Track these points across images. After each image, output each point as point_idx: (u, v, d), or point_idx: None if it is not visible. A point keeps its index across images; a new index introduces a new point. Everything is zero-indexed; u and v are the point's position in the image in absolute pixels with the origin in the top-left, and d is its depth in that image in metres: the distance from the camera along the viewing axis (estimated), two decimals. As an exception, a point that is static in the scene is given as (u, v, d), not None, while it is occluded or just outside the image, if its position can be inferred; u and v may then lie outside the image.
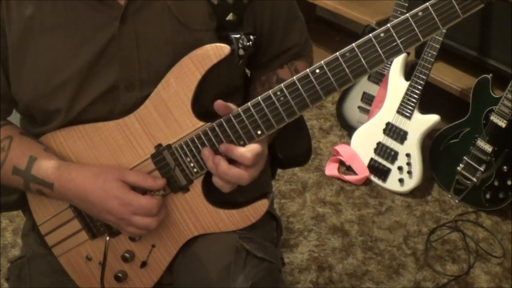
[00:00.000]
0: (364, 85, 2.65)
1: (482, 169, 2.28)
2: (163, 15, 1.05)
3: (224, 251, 1.09)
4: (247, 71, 1.27)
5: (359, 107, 2.71)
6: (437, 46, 2.23)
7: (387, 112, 2.45)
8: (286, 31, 1.20)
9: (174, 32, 1.05)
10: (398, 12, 2.41)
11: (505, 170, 2.23)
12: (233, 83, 1.17)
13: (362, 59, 0.96)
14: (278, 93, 0.99)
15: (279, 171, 1.46)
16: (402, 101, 2.38)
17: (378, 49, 0.96)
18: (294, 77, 0.98)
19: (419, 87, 2.32)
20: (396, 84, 2.42)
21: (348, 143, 2.66)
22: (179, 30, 1.05)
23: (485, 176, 2.28)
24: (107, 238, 1.12)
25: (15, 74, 1.07)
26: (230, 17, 1.08)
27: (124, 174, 1.05)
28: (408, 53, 2.48)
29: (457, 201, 2.43)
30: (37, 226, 1.19)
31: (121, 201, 1.02)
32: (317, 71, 0.98)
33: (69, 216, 1.15)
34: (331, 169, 2.58)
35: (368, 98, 2.65)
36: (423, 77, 2.30)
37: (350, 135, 2.70)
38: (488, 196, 2.31)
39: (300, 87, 0.98)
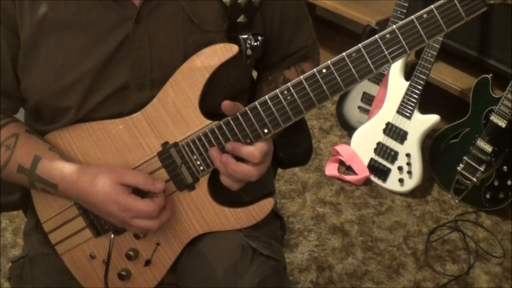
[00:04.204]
0: (364, 85, 2.65)
1: (482, 169, 2.28)
2: (177, 15, 1.05)
3: (230, 249, 1.09)
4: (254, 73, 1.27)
5: (359, 107, 2.71)
6: (437, 46, 2.24)
7: (387, 112, 2.45)
8: (294, 33, 1.21)
9: (186, 33, 1.06)
10: (398, 12, 2.41)
11: (505, 170, 2.24)
12: (240, 84, 1.17)
13: (368, 60, 0.97)
14: (285, 92, 1.00)
15: (279, 171, 1.47)
16: (402, 101, 2.39)
17: (384, 49, 0.97)
18: (301, 77, 0.99)
19: (419, 87, 2.32)
20: (396, 84, 2.42)
21: (348, 143, 2.67)
22: (191, 31, 1.06)
23: (485, 176, 2.29)
24: (112, 235, 1.11)
25: (26, 72, 1.07)
26: (241, 19, 1.08)
27: (123, 176, 1.03)
28: (408, 53, 2.48)
29: (457, 201, 2.44)
30: (40, 224, 1.18)
31: (120, 206, 1.02)
32: (324, 70, 0.98)
33: (73, 214, 1.14)
34: (331, 169, 2.58)
35: (368, 98, 2.66)
36: (423, 77, 2.31)
37: (350, 135, 2.70)
38: (488, 196, 2.32)
39: (307, 86, 0.99)
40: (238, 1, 1.07)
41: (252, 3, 1.09)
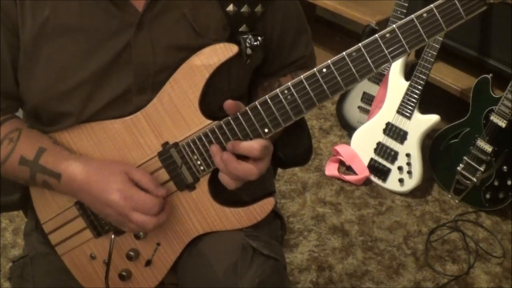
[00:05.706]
0: (364, 85, 2.65)
1: (482, 169, 2.28)
2: (179, 23, 1.05)
3: (231, 249, 1.09)
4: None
5: (359, 107, 2.71)
6: (437, 46, 2.24)
7: (387, 112, 2.45)
8: (294, 43, 1.21)
9: (189, 39, 1.06)
10: (398, 12, 2.41)
11: (505, 170, 2.24)
12: (241, 89, 1.17)
13: (368, 59, 0.97)
14: (286, 91, 0.99)
15: (279, 171, 1.47)
16: (402, 101, 2.39)
17: (384, 49, 0.97)
18: (301, 76, 0.99)
19: (419, 87, 2.32)
20: (396, 84, 2.42)
21: (348, 143, 2.67)
22: (193, 38, 1.06)
23: (485, 176, 2.29)
24: (113, 236, 1.11)
25: (26, 74, 1.07)
26: (243, 28, 1.08)
27: (130, 170, 1.04)
28: (408, 53, 2.48)
29: (457, 201, 2.44)
30: (40, 224, 1.18)
31: (123, 195, 1.01)
32: (324, 70, 0.98)
33: (73, 214, 1.14)
34: (331, 169, 2.58)
35: (368, 98, 2.66)
36: (423, 77, 2.31)
37: (350, 135, 2.70)
38: (488, 196, 2.32)
39: (307, 86, 0.99)
40: (241, 10, 1.07)
41: (255, 13, 1.09)
